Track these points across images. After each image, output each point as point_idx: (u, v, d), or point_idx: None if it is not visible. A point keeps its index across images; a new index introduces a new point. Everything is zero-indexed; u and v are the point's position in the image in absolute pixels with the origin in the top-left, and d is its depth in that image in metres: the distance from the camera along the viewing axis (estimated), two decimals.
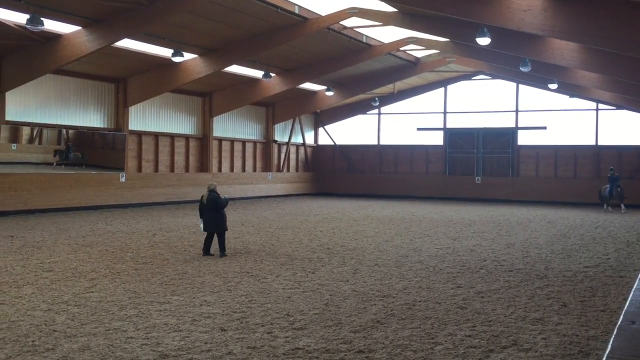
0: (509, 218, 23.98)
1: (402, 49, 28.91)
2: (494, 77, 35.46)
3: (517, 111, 35.82)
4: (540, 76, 28.75)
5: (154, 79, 26.59)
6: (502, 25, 16.48)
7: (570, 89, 31.66)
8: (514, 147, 35.71)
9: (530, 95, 35.42)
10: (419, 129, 37.47)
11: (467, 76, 36.24)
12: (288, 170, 38.81)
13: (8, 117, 22.71)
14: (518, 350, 6.87)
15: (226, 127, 33.89)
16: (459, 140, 37.02)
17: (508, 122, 36.06)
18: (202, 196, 13.45)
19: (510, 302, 9.18)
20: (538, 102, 35.24)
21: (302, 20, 23.07)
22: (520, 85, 35.36)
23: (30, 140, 23.88)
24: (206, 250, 13.30)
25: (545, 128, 34.68)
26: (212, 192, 13.32)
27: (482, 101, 36.43)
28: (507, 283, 10.69)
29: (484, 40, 19.46)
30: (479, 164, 36.49)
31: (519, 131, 35.70)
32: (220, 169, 33.43)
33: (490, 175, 36.13)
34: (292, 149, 39.34)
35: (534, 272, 11.82)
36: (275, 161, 37.43)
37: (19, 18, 19.20)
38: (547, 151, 35.07)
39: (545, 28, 15.49)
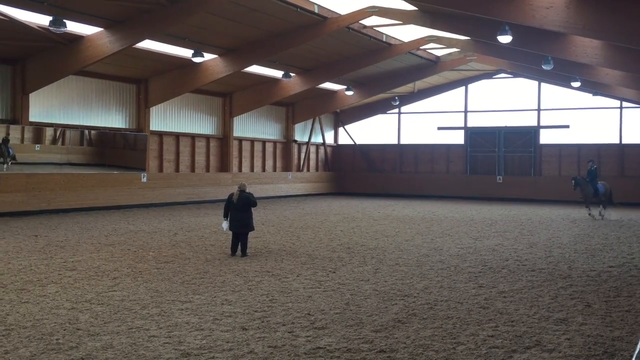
0: (531, 217, 23.75)
1: (422, 47, 28.79)
2: (515, 75, 35.16)
3: (539, 110, 35.49)
4: (562, 74, 28.45)
5: (174, 79, 26.76)
6: (524, 23, 16.33)
7: (593, 86, 31.30)
8: (536, 145, 35.38)
9: (553, 93, 35.07)
10: (439, 128, 37.29)
11: (488, 75, 35.98)
12: (308, 170, 38.83)
13: (32, 118, 23.00)
14: (541, 350, 6.79)
15: (246, 127, 34.01)
16: (480, 139, 36.77)
17: (530, 121, 35.73)
18: (231, 195, 13.33)
19: (533, 302, 9.08)
20: (560, 100, 34.88)
21: (322, 19, 23.06)
22: (543, 84, 35.02)
23: (54, 141, 24.18)
24: (234, 250, 13.27)
25: (568, 127, 34.32)
26: (243, 192, 13.27)
27: (504, 100, 36.17)
28: (529, 283, 10.59)
29: (505, 38, 19.29)
30: (501, 163, 36.21)
31: (541, 130, 35.36)
32: (240, 169, 33.55)
33: (512, 174, 35.81)
34: (312, 149, 39.36)
35: (557, 272, 11.69)
36: (295, 161, 37.48)
37: (42, 20, 19.43)
38: (569, 150, 34.69)
39: (568, 25, 15.32)
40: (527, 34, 20.02)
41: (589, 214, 23.80)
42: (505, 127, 36.06)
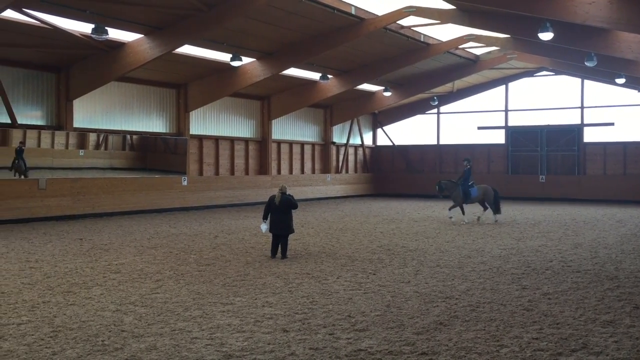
0: (575, 217, 23.26)
1: (461, 46, 28.48)
2: (557, 73, 34.49)
3: (582, 107, 34.74)
4: (606, 71, 27.80)
5: (213, 83, 27.05)
6: (565, 19, 16.02)
7: (639, 83, 30.50)
8: (580, 144, 34.63)
9: (596, 90, 34.28)
10: (479, 128, 36.83)
11: (529, 73, 35.38)
12: (347, 171, 38.80)
13: (76, 124, 23.54)
14: (588, 353, 6.63)
15: (285, 129, 34.16)
16: (521, 138, 36.17)
17: (573, 119, 35.00)
18: (273, 197, 13.34)
19: (578, 304, 8.88)
20: (604, 97, 34.07)
21: (359, 20, 23.01)
22: (586, 81, 34.27)
23: (97, 146, 24.68)
24: (274, 252, 13.33)
25: (612, 124, 33.52)
26: (284, 194, 13.31)
27: (546, 98, 35.51)
28: (575, 284, 10.36)
29: (546, 36, 18.95)
30: (543, 163, 35.55)
31: (585, 128, 34.60)
32: (279, 171, 33.71)
33: (555, 173, 35.12)
34: (351, 150, 39.31)
35: (604, 273, 11.41)
36: (333, 163, 37.48)
37: (85, 28, 19.86)
38: (615, 148, 33.85)
39: (612, 21, 14.97)
40: (569, 30, 19.62)
41: (450, 217, 21.38)
42: (548, 125, 35.40)
